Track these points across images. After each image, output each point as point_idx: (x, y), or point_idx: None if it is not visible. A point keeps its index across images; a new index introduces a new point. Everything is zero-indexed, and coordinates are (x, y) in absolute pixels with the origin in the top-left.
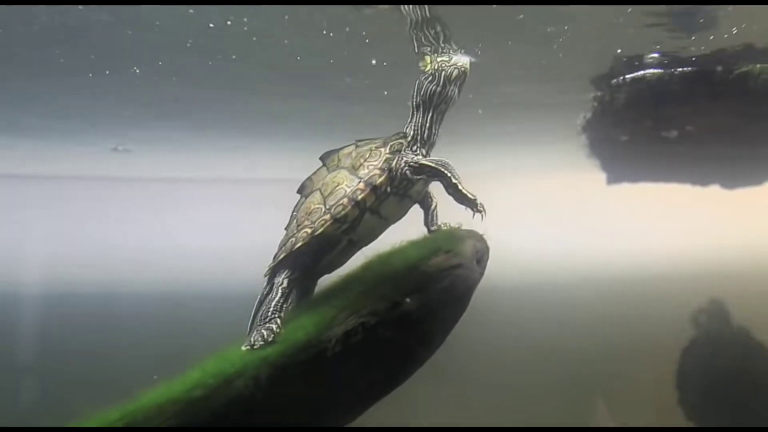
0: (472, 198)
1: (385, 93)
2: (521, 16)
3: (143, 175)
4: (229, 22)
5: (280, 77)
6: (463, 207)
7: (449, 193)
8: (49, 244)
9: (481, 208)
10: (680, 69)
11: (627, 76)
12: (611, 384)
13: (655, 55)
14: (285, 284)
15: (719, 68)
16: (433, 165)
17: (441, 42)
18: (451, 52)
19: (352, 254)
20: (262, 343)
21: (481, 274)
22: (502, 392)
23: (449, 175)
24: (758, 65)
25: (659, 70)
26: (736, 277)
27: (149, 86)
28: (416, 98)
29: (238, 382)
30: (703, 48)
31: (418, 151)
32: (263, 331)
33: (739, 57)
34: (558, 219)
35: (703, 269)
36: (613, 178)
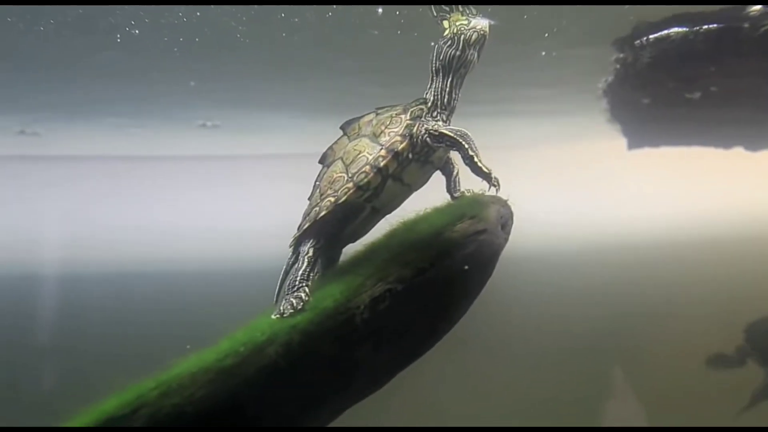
0: (487, 171)
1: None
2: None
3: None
4: None
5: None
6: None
7: (466, 164)
8: (80, 225)
9: (496, 183)
10: (705, 26)
11: (650, 36)
12: (629, 348)
13: (680, 12)
14: (311, 253)
15: (746, 25)
16: (452, 135)
17: (459, 6)
18: (470, 15)
19: (376, 222)
20: (291, 311)
21: (506, 239)
22: (521, 358)
23: (467, 146)
24: None
25: (684, 29)
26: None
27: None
28: (435, 63)
29: (269, 350)
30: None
31: (438, 117)
32: (292, 299)
33: (766, 13)
34: (578, 188)
35: (726, 233)
36: (635, 143)
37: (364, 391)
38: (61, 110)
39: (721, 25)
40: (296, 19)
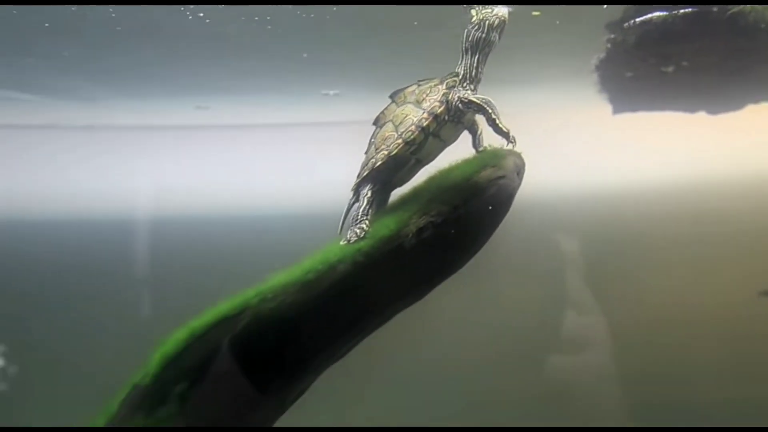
0: (506, 131)
1: None
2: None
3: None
4: None
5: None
6: (499, 137)
7: (489, 125)
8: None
9: (513, 140)
10: (682, 10)
11: (637, 19)
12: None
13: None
14: (369, 194)
15: (715, 9)
16: (479, 102)
17: None
18: (491, 4)
19: (418, 171)
20: (356, 238)
21: (519, 184)
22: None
23: (490, 111)
24: (749, 6)
25: (664, 13)
26: (718, 186)
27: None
28: (465, 44)
29: (340, 267)
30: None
31: (467, 87)
32: (356, 229)
33: None
34: (572, 144)
35: (689, 182)
36: (618, 108)
37: (405, 303)
38: (220, 88)
39: (695, 8)
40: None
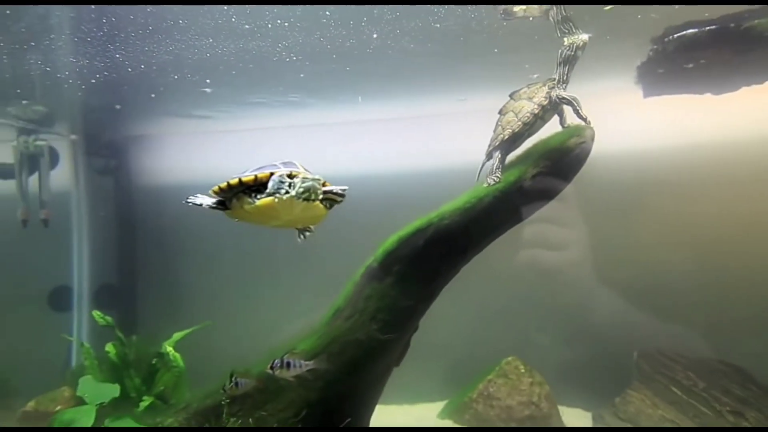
0: (584, 116)
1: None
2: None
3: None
4: None
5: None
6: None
7: (573, 112)
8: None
9: (588, 121)
10: (708, 28)
11: (675, 35)
12: None
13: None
14: (500, 156)
15: (732, 25)
16: (568, 98)
17: (572, 28)
18: (577, 32)
19: (526, 139)
20: (493, 183)
21: (592, 146)
22: None
23: (575, 104)
24: (757, 21)
25: (695, 30)
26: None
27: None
28: (559, 59)
29: (485, 199)
30: (723, 14)
31: (561, 87)
32: (494, 177)
33: (746, 17)
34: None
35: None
36: (647, 94)
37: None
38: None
39: (717, 26)
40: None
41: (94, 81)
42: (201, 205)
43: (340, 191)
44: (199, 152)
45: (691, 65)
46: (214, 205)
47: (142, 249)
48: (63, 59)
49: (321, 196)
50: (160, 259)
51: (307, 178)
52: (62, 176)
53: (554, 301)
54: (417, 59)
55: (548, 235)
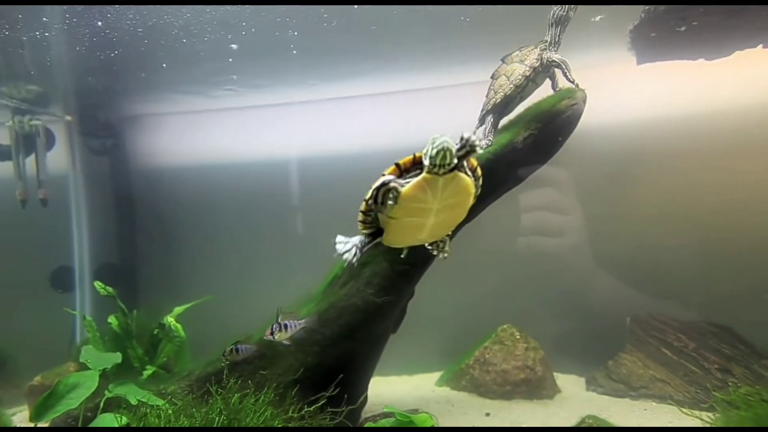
0: (573, 79)
1: None
2: None
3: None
4: None
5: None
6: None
7: (563, 75)
8: None
9: (577, 84)
10: None
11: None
12: None
13: None
14: (492, 119)
15: None
16: (558, 60)
17: None
18: None
19: (519, 103)
20: (486, 145)
21: (584, 109)
22: None
23: (565, 67)
24: None
25: None
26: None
27: None
28: (551, 20)
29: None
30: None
31: (552, 50)
32: (486, 141)
33: None
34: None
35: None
36: (641, 60)
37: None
38: None
39: None
40: None
41: (86, 51)
42: (355, 250)
43: (474, 140)
44: (195, 131)
45: (683, 28)
46: (368, 241)
47: (142, 228)
48: (56, 36)
49: (456, 160)
50: (160, 237)
51: (435, 138)
52: (59, 157)
53: (550, 275)
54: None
55: (545, 216)
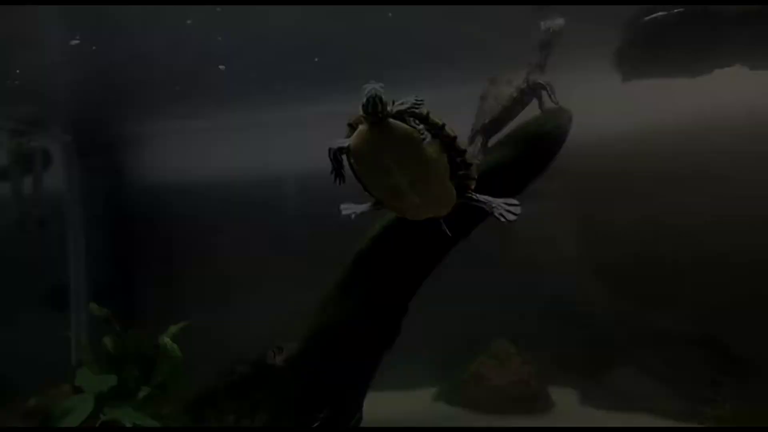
0: (557, 102)
1: None
2: None
3: None
4: None
5: None
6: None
7: (548, 97)
8: None
9: (558, 104)
10: (676, 10)
11: (647, 17)
12: None
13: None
14: (482, 140)
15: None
16: (543, 83)
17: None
18: (553, 16)
19: (507, 123)
20: (477, 162)
21: (569, 129)
22: None
23: (549, 89)
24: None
25: (664, 12)
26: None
27: None
28: (538, 44)
29: None
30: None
31: (539, 71)
32: (477, 160)
33: None
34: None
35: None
36: (626, 79)
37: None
38: None
39: (684, 8)
40: None
41: (85, 71)
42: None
43: (414, 101)
44: (194, 149)
45: (664, 48)
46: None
47: (138, 247)
48: (53, 56)
49: (389, 109)
50: (157, 256)
51: (364, 86)
52: (55, 177)
53: (544, 288)
54: None
55: (537, 229)
